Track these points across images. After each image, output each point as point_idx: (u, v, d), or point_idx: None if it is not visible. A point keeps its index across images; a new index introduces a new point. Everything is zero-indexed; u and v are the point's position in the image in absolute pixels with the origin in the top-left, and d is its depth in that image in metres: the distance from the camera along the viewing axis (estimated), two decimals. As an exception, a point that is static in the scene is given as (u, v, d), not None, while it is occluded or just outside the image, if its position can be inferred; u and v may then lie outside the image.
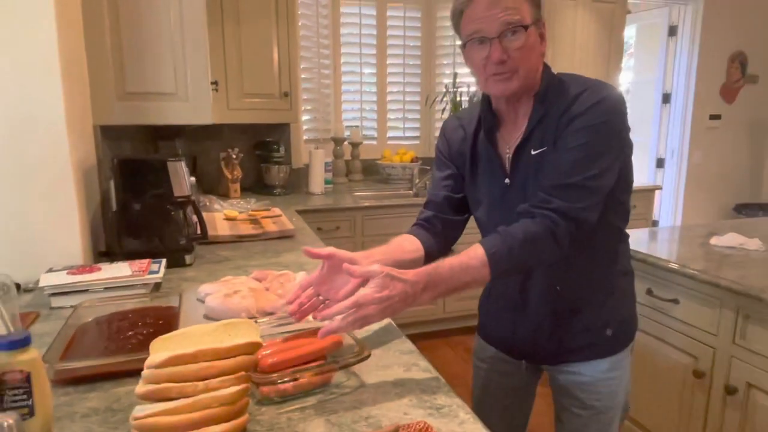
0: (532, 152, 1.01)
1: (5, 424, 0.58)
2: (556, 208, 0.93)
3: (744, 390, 1.46)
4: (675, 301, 1.66)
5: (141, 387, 0.69)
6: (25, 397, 0.69)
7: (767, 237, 1.90)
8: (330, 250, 0.95)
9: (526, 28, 0.94)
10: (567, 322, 1.11)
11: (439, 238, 1.14)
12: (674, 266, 1.64)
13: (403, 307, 0.85)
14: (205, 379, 0.69)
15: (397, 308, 0.84)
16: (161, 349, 0.71)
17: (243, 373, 0.72)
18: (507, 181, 1.06)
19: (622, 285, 1.15)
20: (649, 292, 1.73)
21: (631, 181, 1.08)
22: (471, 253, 0.92)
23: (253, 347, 0.74)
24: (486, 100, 1.09)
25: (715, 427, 1.55)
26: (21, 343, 0.69)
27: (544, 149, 1.00)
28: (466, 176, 1.15)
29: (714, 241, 1.84)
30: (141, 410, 0.67)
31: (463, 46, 1.01)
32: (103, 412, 0.78)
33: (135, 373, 0.85)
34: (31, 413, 0.69)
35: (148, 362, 0.69)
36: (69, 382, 0.86)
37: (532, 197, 0.99)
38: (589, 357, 1.12)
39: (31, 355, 0.70)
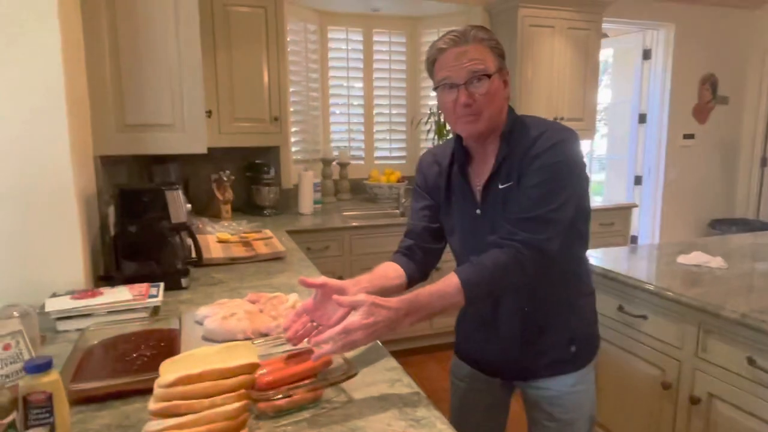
0: (500, 186, 1.12)
1: (37, 438, 0.67)
2: (521, 239, 1.04)
3: (706, 400, 1.57)
4: (644, 317, 1.77)
5: (153, 404, 0.77)
6: (47, 415, 0.77)
7: (729, 255, 2.03)
8: (322, 279, 1.05)
9: (489, 76, 1.07)
10: (535, 341, 1.21)
11: (420, 265, 1.24)
12: (642, 284, 1.75)
13: (387, 332, 0.94)
14: (211, 396, 0.78)
15: (382, 332, 0.94)
16: (170, 370, 0.80)
17: (243, 390, 0.80)
18: (478, 211, 1.17)
19: (584, 305, 1.26)
20: (620, 308, 1.84)
21: (589, 211, 1.19)
22: (447, 281, 1.03)
23: (252, 368, 0.82)
24: (458, 138, 1.20)
25: (682, 436, 1.66)
26: (45, 367, 0.77)
27: (510, 184, 1.11)
28: (442, 206, 1.26)
29: (681, 259, 1.96)
30: (154, 425, 0.75)
31: (436, 89, 1.13)
32: (116, 428, 0.86)
33: (142, 393, 0.94)
34: (53, 430, 0.77)
35: (159, 382, 0.78)
36: (81, 401, 0.93)
37: (500, 227, 1.09)
38: (555, 373, 1.21)
39: (53, 377, 0.78)
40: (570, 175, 1.09)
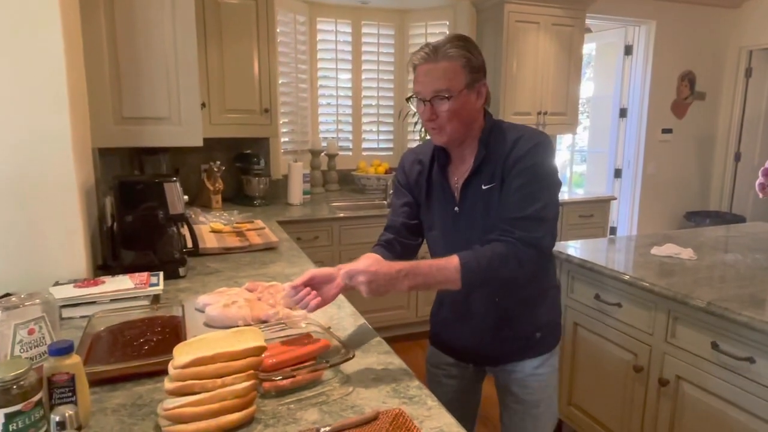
0: (483, 187, 1.20)
1: (67, 414, 0.73)
2: (518, 237, 1.12)
3: (674, 382, 1.69)
4: (618, 305, 1.88)
5: (169, 384, 0.84)
6: (70, 394, 0.83)
7: (700, 247, 2.15)
8: (309, 274, 1.12)
9: (449, 97, 1.13)
10: (505, 330, 1.30)
11: (399, 258, 1.26)
12: (618, 274, 1.85)
13: (386, 287, 1.04)
14: (222, 376, 0.85)
15: (382, 285, 1.04)
16: (184, 352, 0.86)
17: (252, 371, 0.88)
18: (456, 209, 1.25)
19: (550, 296, 1.35)
20: (597, 296, 1.95)
21: (558, 209, 1.26)
22: (448, 259, 1.11)
23: (259, 350, 0.90)
24: None
25: (651, 415, 1.78)
26: (67, 350, 0.83)
27: (493, 185, 1.19)
28: (422, 203, 1.33)
29: (654, 251, 2.07)
30: (170, 403, 0.82)
31: (411, 98, 1.23)
32: (130, 407, 0.93)
33: (152, 375, 1.01)
34: (75, 408, 0.84)
35: (174, 363, 0.84)
36: (95, 383, 0.99)
37: (478, 224, 1.19)
38: (522, 357, 1.32)
39: (74, 359, 0.85)
40: (549, 176, 1.17)
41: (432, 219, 1.31)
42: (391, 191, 3.54)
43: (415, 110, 1.24)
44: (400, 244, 1.32)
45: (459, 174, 1.25)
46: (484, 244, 1.14)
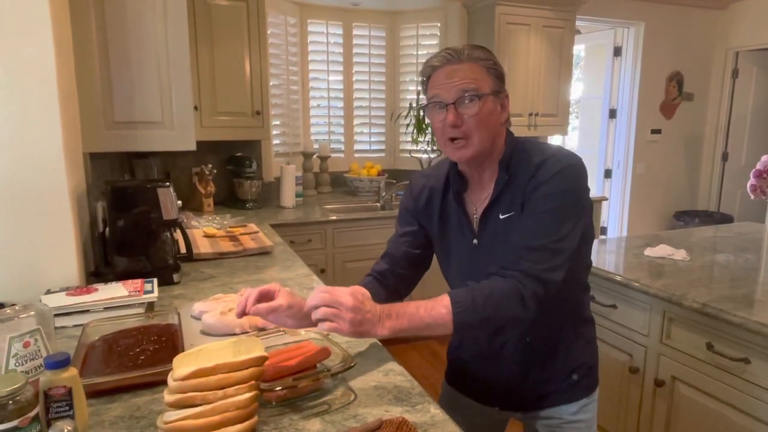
0: (501, 216, 1.07)
1: (65, 429, 0.71)
2: (523, 269, 0.98)
3: (670, 382, 1.70)
4: (614, 307, 1.89)
5: (169, 396, 0.82)
6: (67, 408, 0.81)
7: (692, 248, 2.17)
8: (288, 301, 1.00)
9: (480, 97, 1.01)
10: (537, 371, 1.17)
11: (390, 293, 1.16)
12: (612, 275, 1.86)
13: (368, 324, 0.93)
14: (223, 388, 0.83)
15: (366, 319, 0.92)
16: (183, 364, 0.85)
17: (253, 382, 0.86)
18: (475, 241, 1.12)
19: (585, 332, 1.21)
20: (592, 298, 1.96)
21: (592, 237, 1.15)
22: (438, 299, 0.98)
23: (261, 360, 0.88)
24: (454, 162, 1.13)
25: (647, 415, 1.79)
26: (64, 363, 0.82)
27: (512, 214, 1.05)
28: (435, 235, 1.19)
29: (647, 252, 2.09)
30: (170, 416, 0.81)
31: (426, 108, 1.08)
32: (128, 419, 0.91)
33: (150, 386, 0.99)
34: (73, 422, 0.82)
35: (174, 375, 0.83)
36: (91, 395, 0.97)
37: (500, 259, 1.03)
38: (557, 402, 1.18)
39: (71, 372, 0.83)
40: (576, 203, 1.04)
41: (448, 253, 1.18)
42: (384, 193, 3.56)
43: (428, 121, 1.10)
44: (395, 276, 1.19)
45: (478, 202, 1.12)
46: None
